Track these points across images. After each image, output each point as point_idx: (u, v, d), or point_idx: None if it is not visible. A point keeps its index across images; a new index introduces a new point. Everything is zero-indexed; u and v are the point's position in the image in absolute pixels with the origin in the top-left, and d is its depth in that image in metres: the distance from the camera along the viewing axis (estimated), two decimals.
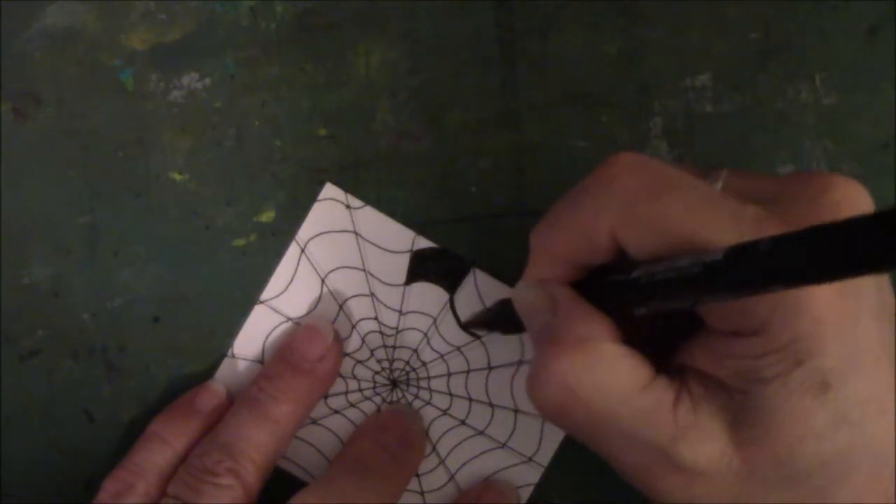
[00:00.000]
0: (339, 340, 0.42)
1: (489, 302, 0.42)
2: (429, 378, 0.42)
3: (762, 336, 0.29)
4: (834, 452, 0.30)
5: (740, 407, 0.31)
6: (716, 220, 0.30)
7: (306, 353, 0.41)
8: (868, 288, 0.30)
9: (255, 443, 0.39)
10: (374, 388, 0.42)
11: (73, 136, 0.43)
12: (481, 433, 0.42)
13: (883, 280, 0.32)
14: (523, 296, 0.36)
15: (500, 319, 0.39)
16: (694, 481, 0.31)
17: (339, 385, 0.42)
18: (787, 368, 0.29)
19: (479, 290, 0.42)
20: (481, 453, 0.42)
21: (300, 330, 0.41)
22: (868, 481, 0.30)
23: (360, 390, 0.42)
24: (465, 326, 0.42)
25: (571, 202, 0.34)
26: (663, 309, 0.31)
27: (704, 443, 0.31)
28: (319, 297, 0.42)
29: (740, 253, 0.27)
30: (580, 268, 0.34)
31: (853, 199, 0.31)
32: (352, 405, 0.42)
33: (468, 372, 0.42)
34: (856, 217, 0.24)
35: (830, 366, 0.29)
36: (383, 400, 0.42)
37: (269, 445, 0.40)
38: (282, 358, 0.41)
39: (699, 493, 0.31)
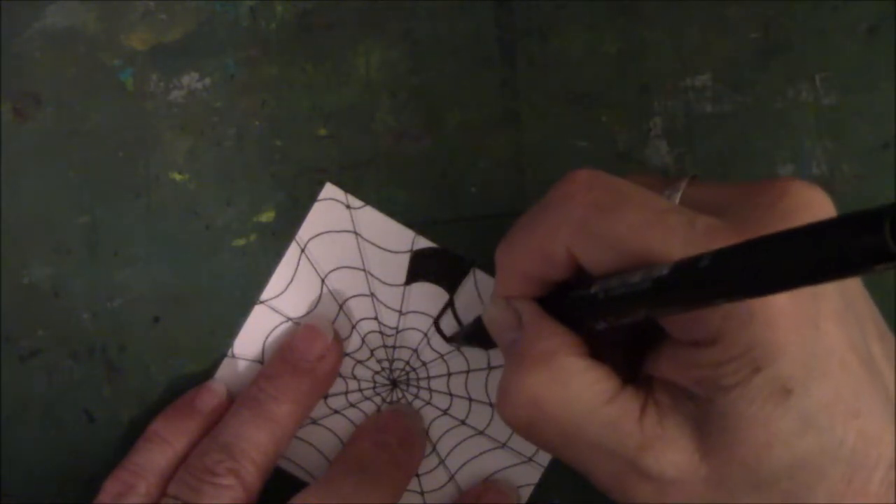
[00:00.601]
0: (338, 340, 0.42)
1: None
2: (429, 378, 0.42)
3: (719, 345, 0.30)
4: (802, 458, 0.30)
5: (706, 415, 0.31)
6: (666, 233, 0.30)
7: (306, 353, 0.41)
8: (828, 291, 0.30)
9: (256, 443, 0.39)
10: (374, 388, 0.42)
11: (73, 136, 0.43)
12: (481, 433, 0.42)
13: (849, 282, 0.32)
14: (490, 312, 0.36)
15: (479, 334, 0.39)
16: (664, 490, 0.32)
17: (339, 385, 0.42)
18: (747, 376, 0.29)
19: (479, 290, 0.42)
20: (481, 453, 0.42)
21: (300, 330, 0.41)
22: (842, 486, 0.30)
23: (360, 390, 0.42)
24: (449, 340, 0.42)
25: (530, 220, 0.34)
26: (621, 322, 0.31)
27: (671, 452, 0.31)
28: (319, 297, 0.42)
29: (684, 268, 0.27)
30: (544, 283, 0.35)
31: (811, 205, 0.31)
32: (352, 405, 0.42)
33: (468, 372, 0.42)
34: (788, 230, 0.24)
35: (790, 372, 0.29)
36: (383, 400, 0.42)
37: (270, 445, 0.40)
38: (282, 358, 0.41)
39: (670, 501, 0.32)
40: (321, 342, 0.41)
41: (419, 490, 0.42)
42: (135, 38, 0.43)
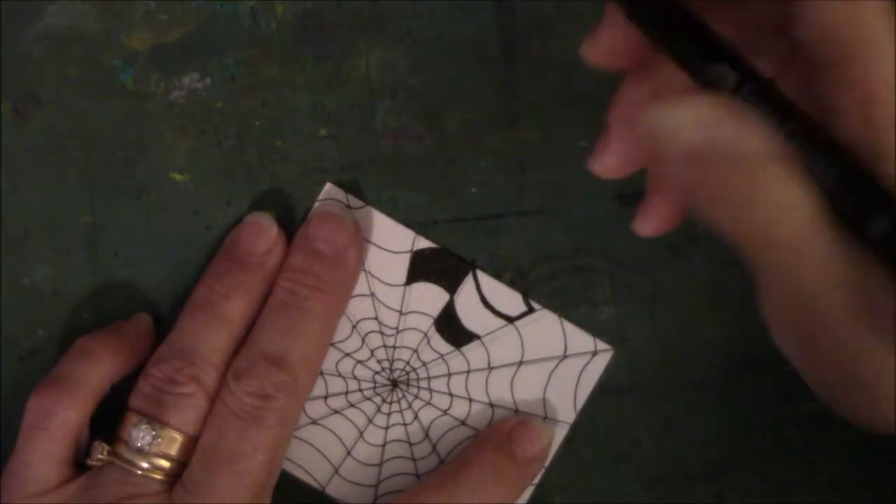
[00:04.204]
0: (282, 234, 0.41)
1: (491, 301, 0.42)
2: (429, 378, 0.42)
3: None
4: None
5: None
6: None
7: (253, 248, 0.40)
8: None
9: (213, 345, 0.39)
10: (374, 388, 0.42)
11: (73, 136, 0.43)
12: None
13: None
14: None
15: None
16: None
17: (339, 385, 0.42)
18: None
19: (479, 290, 0.42)
20: None
21: (244, 226, 0.41)
22: None
23: (361, 390, 0.42)
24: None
25: None
26: None
27: None
28: None
29: None
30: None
31: None
32: (352, 405, 0.42)
33: (468, 372, 0.42)
34: None
35: None
36: (383, 400, 0.42)
37: (228, 345, 0.40)
38: (228, 255, 0.41)
39: None
40: (266, 237, 0.41)
41: None
42: (135, 38, 0.43)
